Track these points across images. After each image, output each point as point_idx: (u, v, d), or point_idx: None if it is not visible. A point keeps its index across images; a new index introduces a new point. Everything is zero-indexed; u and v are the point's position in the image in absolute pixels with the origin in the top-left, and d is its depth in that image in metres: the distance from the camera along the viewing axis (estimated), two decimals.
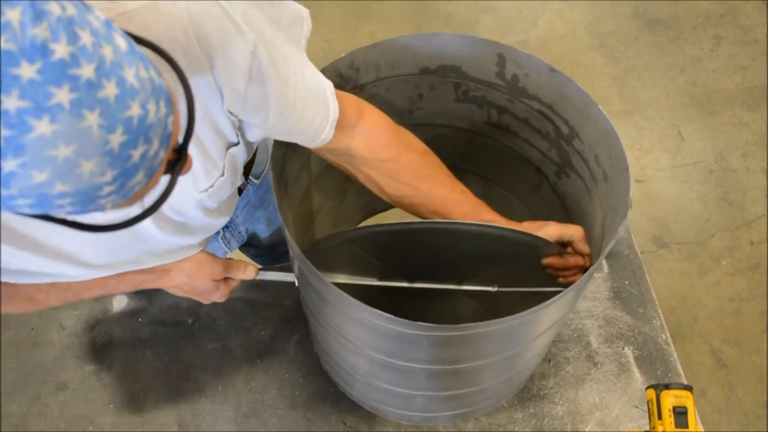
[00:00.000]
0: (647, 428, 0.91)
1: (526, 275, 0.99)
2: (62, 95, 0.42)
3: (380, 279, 0.98)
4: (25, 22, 0.41)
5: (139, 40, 0.52)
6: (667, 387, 0.87)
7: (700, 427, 0.88)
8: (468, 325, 0.73)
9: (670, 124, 2.42)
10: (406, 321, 0.72)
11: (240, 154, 0.80)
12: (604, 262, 1.23)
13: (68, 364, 1.14)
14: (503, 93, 1.01)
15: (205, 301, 0.98)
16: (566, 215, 1.09)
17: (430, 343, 0.81)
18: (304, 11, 0.77)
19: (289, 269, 0.96)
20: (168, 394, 1.12)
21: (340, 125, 0.81)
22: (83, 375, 1.14)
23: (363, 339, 0.87)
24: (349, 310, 0.78)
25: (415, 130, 1.13)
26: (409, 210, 0.96)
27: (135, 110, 0.46)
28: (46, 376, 1.13)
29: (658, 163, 2.32)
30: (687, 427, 0.84)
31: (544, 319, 0.83)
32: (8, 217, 0.67)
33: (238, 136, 0.77)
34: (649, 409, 0.88)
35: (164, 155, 0.51)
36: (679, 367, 1.14)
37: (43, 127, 0.42)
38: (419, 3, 2.77)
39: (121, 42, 0.47)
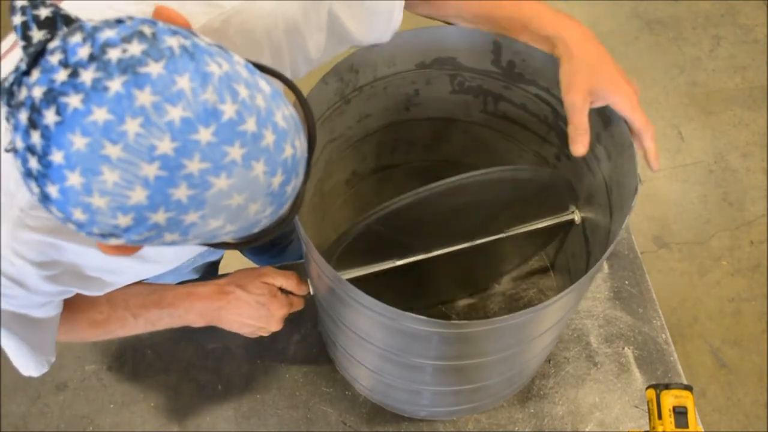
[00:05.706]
0: (647, 428, 0.91)
1: (530, 211, 1.01)
2: (235, 152, 0.46)
3: (399, 257, 0.98)
4: (196, 88, 0.44)
5: (262, 68, 0.54)
6: (667, 387, 0.87)
7: (700, 427, 0.88)
8: (476, 321, 0.74)
9: (670, 124, 2.42)
10: (421, 317, 0.73)
11: None
12: (604, 262, 1.23)
13: (68, 364, 1.14)
14: (499, 80, 1.01)
15: (273, 324, 0.93)
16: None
17: (440, 339, 0.81)
18: None
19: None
20: (168, 394, 1.12)
21: None
22: (83, 375, 1.14)
23: (378, 336, 0.87)
24: (373, 312, 0.77)
25: (412, 126, 1.12)
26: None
27: (288, 151, 0.50)
28: (45, 375, 1.12)
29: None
30: (687, 427, 0.84)
31: (547, 318, 0.84)
32: None
33: None
34: (649, 409, 0.88)
35: (304, 181, 0.55)
36: (679, 367, 1.14)
37: (221, 182, 0.46)
38: None
39: (265, 86, 0.50)
